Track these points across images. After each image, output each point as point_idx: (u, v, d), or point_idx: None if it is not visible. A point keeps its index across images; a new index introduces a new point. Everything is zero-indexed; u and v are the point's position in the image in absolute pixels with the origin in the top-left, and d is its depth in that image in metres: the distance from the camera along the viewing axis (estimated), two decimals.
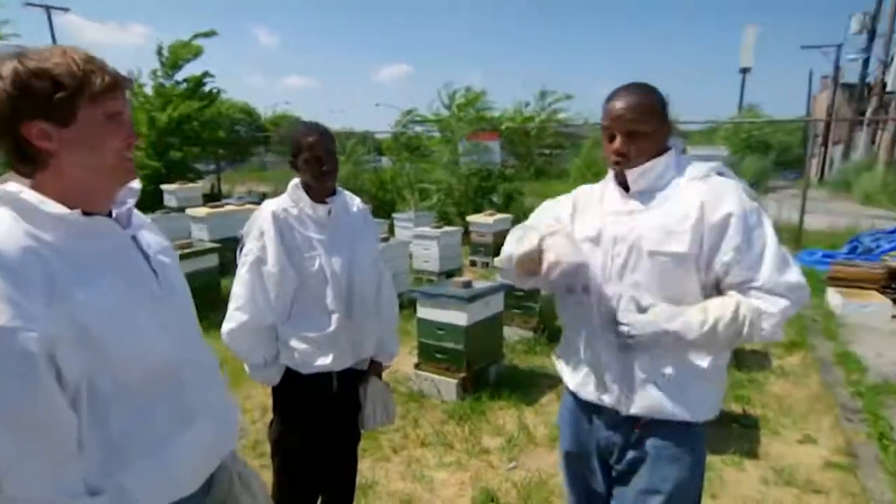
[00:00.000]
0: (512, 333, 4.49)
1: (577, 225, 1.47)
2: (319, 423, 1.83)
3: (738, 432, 3.11)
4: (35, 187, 0.91)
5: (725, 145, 20.02)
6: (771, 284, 1.28)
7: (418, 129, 11.49)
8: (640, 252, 1.33)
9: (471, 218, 7.89)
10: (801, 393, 3.67)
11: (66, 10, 26.53)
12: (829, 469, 2.78)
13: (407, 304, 5.21)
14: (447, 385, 3.60)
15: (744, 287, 1.30)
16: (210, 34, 12.32)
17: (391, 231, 7.91)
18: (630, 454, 1.41)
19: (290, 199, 1.80)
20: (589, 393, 1.44)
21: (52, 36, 24.01)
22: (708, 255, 1.30)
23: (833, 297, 5.47)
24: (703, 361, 1.32)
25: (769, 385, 3.78)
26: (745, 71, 26.20)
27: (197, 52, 12.21)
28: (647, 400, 1.35)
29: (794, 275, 1.29)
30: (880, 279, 5.61)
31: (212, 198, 11.21)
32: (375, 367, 1.95)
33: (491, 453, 2.94)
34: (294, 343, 1.75)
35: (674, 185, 1.35)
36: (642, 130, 1.32)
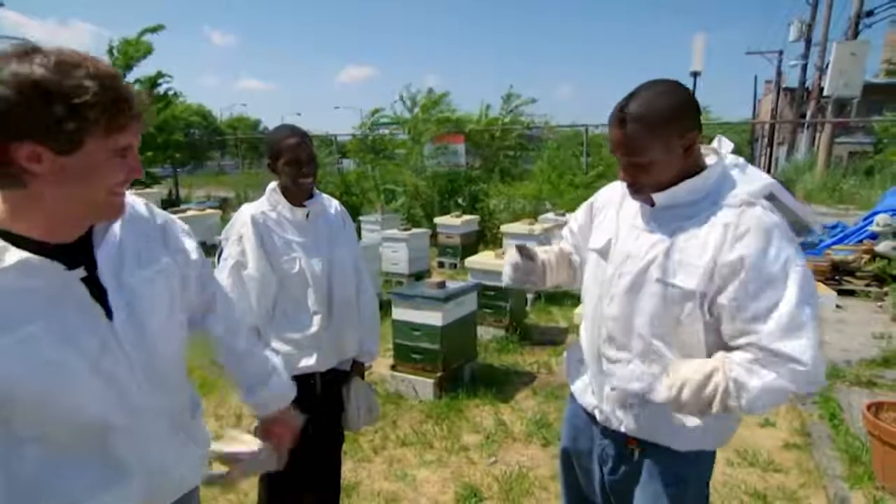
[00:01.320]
0: (484, 332, 4.57)
1: (593, 233, 1.40)
2: (303, 425, 1.82)
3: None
4: (3, 202, 0.81)
5: None
6: (766, 346, 1.09)
7: (384, 130, 11.44)
8: (648, 277, 1.20)
9: (438, 220, 7.94)
10: None
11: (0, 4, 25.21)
12: (787, 449, 2.97)
13: (382, 305, 5.20)
14: (424, 385, 3.63)
15: (743, 342, 1.14)
16: (157, 29, 11.95)
17: (358, 234, 7.87)
18: (623, 468, 1.36)
19: (269, 202, 1.80)
20: (587, 402, 1.42)
21: None
22: (713, 297, 1.15)
23: None
24: (689, 421, 1.21)
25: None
26: (695, 75, 27.24)
27: (147, 51, 11.82)
28: (633, 422, 1.29)
29: (800, 348, 1.08)
30: (825, 271, 6.00)
31: (170, 203, 10.88)
32: (358, 368, 1.98)
33: (470, 450, 2.99)
34: (277, 345, 1.75)
35: (705, 208, 1.17)
36: (642, 163, 1.16)
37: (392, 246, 6.78)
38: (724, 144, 1.27)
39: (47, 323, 0.81)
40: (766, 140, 22.40)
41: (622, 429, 1.31)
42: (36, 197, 0.79)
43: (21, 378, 0.79)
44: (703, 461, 1.32)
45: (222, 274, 1.75)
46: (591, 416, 1.41)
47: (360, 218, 8.48)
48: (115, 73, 0.80)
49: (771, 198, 1.20)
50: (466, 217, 7.95)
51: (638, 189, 1.22)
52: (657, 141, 1.14)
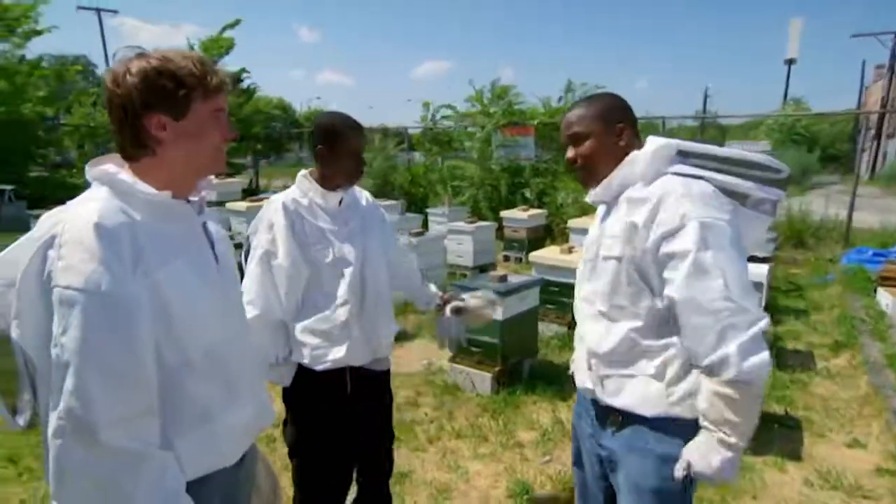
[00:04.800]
0: (546, 329, 4.48)
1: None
2: (335, 425, 1.75)
3: (779, 433, 3.04)
4: (136, 170, 1.02)
5: (767, 140, 19.31)
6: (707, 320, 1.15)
7: (448, 123, 11.43)
8: (598, 257, 1.36)
9: (504, 213, 7.87)
10: (849, 395, 3.55)
11: (115, 12, 27.82)
12: (880, 475, 2.69)
13: None
14: (482, 378, 3.62)
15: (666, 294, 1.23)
16: (236, 24, 12.60)
17: (425, 226, 7.95)
18: (610, 442, 1.39)
19: (300, 189, 1.73)
20: (579, 380, 1.47)
21: (103, 37, 25.05)
22: (640, 260, 1.25)
23: (884, 297, 5.25)
24: (650, 385, 1.29)
25: (813, 386, 3.66)
26: (790, 62, 25.25)
27: (229, 46, 12.51)
28: (602, 388, 1.37)
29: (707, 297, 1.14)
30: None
31: (250, 192, 11.49)
32: (446, 300, 1.98)
33: (525, 446, 2.95)
34: (306, 338, 1.68)
35: (634, 188, 1.30)
36: (579, 132, 1.34)
37: (457, 238, 6.80)
38: (652, 140, 1.33)
39: (186, 259, 1.03)
40: (872, 132, 20.34)
41: (603, 399, 1.37)
42: (162, 160, 1.02)
43: (177, 302, 0.98)
44: (680, 430, 1.27)
45: (251, 264, 1.68)
46: (585, 395, 1.49)
47: (427, 210, 8.56)
48: (203, 55, 1.06)
49: (685, 155, 1.28)
50: (533, 211, 7.82)
51: (581, 173, 1.38)
52: (598, 120, 1.33)
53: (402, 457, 2.83)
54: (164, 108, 0.98)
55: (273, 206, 1.70)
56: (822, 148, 19.39)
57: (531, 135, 9.65)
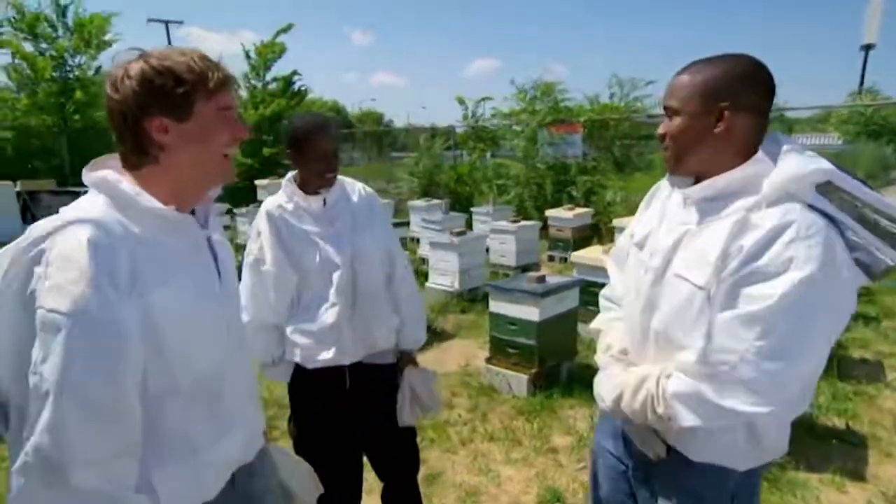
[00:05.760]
0: (586, 331, 4.34)
1: (637, 226, 1.31)
2: (335, 419, 1.77)
3: (839, 450, 2.81)
4: (139, 179, 0.95)
5: (838, 132, 18.03)
6: (701, 356, 1.02)
7: (492, 120, 11.33)
8: (669, 271, 1.13)
9: (549, 212, 7.72)
10: None
11: (180, 22, 29.66)
12: None
13: (482, 298, 5.21)
14: (518, 380, 3.55)
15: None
16: (288, 28, 13.07)
17: (469, 225, 7.93)
18: (644, 470, 1.27)
19: (285, 194, 1.72)
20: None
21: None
22: (716, 288, 1.04)
23: None
24: (709, 430, 1.09)
25: (882, 400, 3.37)
26: (868, 48, 23.44)
27: (282, 50, 12.99)
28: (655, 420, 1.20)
29: (740, 353, 0.96)
30: None
31: None
32: (406, 358, 1.87)
33: (559, 452, 2.87)
34: (297, 338, 1.71)
35: (741, 204, 1.04)
36: (671, 105, 1.10)
37: (500, 238, 6.73)
38: (796, 153, 1.03)
39: (188, 277, 0.97)
40: None
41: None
42: (166, 167, 0.95)
43: (172, 323, 0.91)
44: (724, 481, 1.14)
45: (244, 271, 1.71)
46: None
47: (472, 209, 8.53)
48: (202, 52, 0.98)
49: (828, 187, 0.99)
50: (579, 210, 7.64)
51: (669, 154, 1.13)
52: (702, 96, 1.05)
53: (433, 458, 2.82)
54: (165, 110, 0.92)
55: (259, 214, 1.74)
56: None
57: (579, 132, 9.43)
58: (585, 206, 8.35)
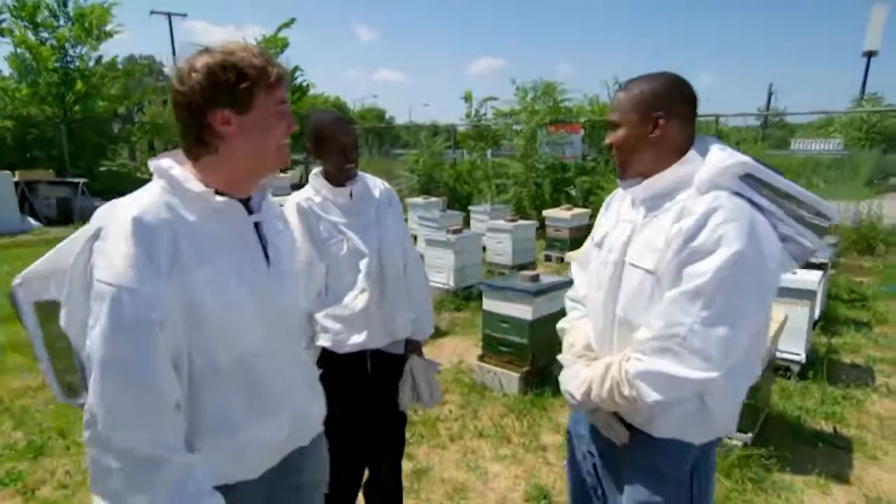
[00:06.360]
0: None
1: (595, 230, 1.45)
2: (356, 404, 1.84)
3: (825, 453, 2.83)
4: (197, 168, 1.02)
5: (839, 138, 18.05)
6: (655, 333, 1.12)
7: (493, 118, 11.32)
8: (624, 263, 1.25)
9: (547, 212, 7.75)
10: None
11: (184, 15, 29.54)
12: None
13: (477, 296, 5.23)
14: (509, 379, 3.57)
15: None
16: (290, 23, 13.07)
17: (466, 223, 7.94)
18: (610, 454, 1.36)
19: (312, 187, 1.83)
20: None
21: (172, 40, 26.55)
22: (663, 272, 1.16)
23: None
24: (668, 408, 1.19)
25: (870, 404, 3.40)
26: (870, 55, 23.45)
27: (284, 45, 12.97)
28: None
29: (689, 322, 1.08)
30: None
31: (300, 186, 11.81)
32: (413, 346, 1.96)
33: (548, 450, 2.89)
34: (328, 324, 1.80)
35: (680, 197, 1.18)
36: (613, 119, 1.27)
37: (496, 237, 6.75)
38: (721, 150, 1.19)
39: (232, 260, 1.01)
40: None
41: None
42: (224, 157, 1.01)
43: (213, 303, 0.97)
44: (684, 456, 1.24)
45: None
46: None
47: (470, 208, 8.55)
48: (259, 46, 1.05)
49: (750, 179, 1.15)
50: (577, 210, 7.66)
51: (618, 161, 1.28)
52: (638, 109, 1.21)
53: (421, 453, 2.84)
54: (229, 102, 0.97)
55: (288, 206, 1.81)
56: None
57: (579, 133, 9.44)
58: (584, 206, 8.38)
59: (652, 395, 1.14)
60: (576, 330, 1.43)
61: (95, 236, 0.94)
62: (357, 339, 1.80)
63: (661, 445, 1.24)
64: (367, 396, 1.87)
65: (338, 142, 1.76)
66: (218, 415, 1.01)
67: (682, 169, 1.19)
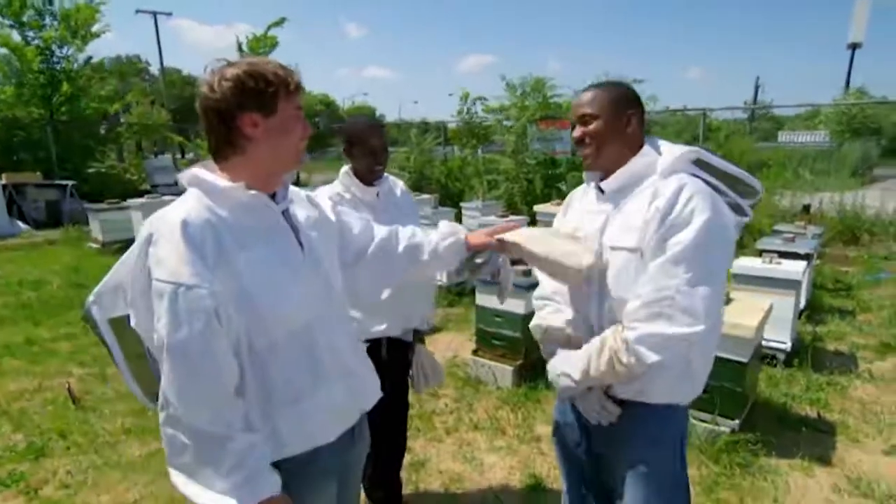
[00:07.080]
0: None
1: (563, 225, 1.57)
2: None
3: (809, 437, 2.93)
4: (225, 170, 1.13)
5: (825, 130, 18.26)
6: (646, 298, 1.25)
7: (484, 115, 11.36)
8: (603, 247, 1.38)
9: (538, 207, 7.79)
10: (891, 400, 3.37)
11: (169, 14, 29.26)
12: None
13: (469, 292, 5.29)
14: (503, 372, 3.64)
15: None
16: (281, 23, 12.99)
17: (458, 219, 7.98)
18: (605, 432, 1.44)
19: (342, 184, 1.98)
20: None
21: (158, 39, 26.31)
22: (645, 248, 1.30)
23: None
24: (660, 373, 1.30)
25: (853, 390, 3.50)
26: (854, 47, 23.73)
27: (273, 44, 12.90)
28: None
29: (677, 282, 1.21)
30: None
31: (296, 185, 11.81)
32: (419, 335, 2.13)
33: (542, 441, 2.96)
34: (352, 313, 1.88)
35: (647, 184, 1.35)
36: (589, 112, 1.38)
37: None
38: (672, 145, 1.40)
39: (269, 246, 1.12)
40: None
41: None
42: (251, 157, 1.11)
43: (260, 285, 1.07)
44: (673, 418, 1.40)
45: None
46: None
47: (462, 204, 8.57)
48: (279, 62, 1.16)
49: (700, 163, 1.36)
50: None
51: (586, 153, 1.41)
52: (610, 106, 1.37)
53: (418, 446, 2.90)
54: (256, 107, 1.08)
55: (320, 199, 1.93)
56: (890, 139, 18.23)
57: (568, 129, 9.50)
58: None
59: (651, 357, 1.25)
60: (551, 320, 1.55)
61: (149, 241, 1.04)
62: (378, 328, 1.95)
63: (652, 411, 1.37)
64: (382, 381, 1.98)
65: (369, 145, 1.91)
66: (283, 388, 1.12)
67: (643, 160, 1.37)
